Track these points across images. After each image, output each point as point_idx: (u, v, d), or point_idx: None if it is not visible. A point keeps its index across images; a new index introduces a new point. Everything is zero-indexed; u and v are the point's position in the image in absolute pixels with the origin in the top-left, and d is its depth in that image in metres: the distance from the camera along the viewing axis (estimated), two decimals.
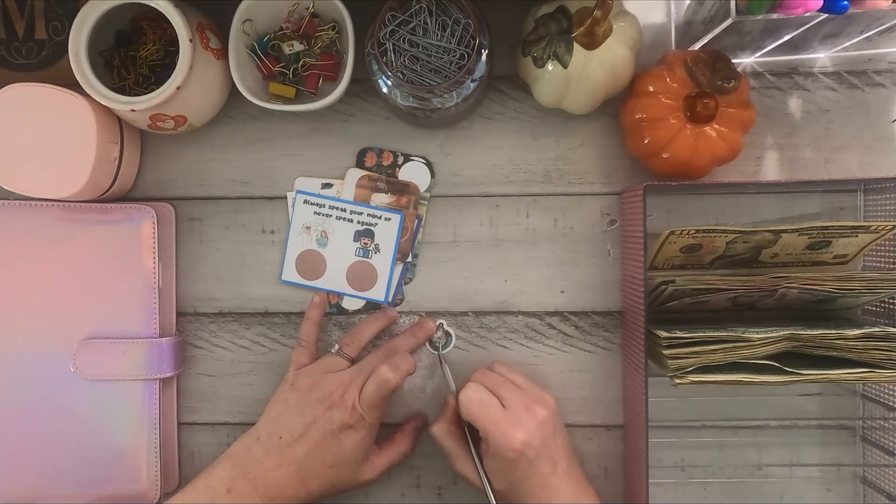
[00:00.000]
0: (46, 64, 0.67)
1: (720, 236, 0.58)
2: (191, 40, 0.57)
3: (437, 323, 0.67)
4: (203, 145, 0.68)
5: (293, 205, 0.67)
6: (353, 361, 0.63)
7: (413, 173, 0.67)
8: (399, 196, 0.66)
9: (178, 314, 0.68)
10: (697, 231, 0.57)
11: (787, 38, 0.57)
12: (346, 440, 0.59)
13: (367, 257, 0.66)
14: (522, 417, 0.57)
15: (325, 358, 0.63)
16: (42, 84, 0.59)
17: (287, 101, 0.64)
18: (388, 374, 0.59)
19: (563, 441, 0.60)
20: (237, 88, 0.61)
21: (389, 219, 0.66)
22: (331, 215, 0.66)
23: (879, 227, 0.57)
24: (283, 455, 0.59)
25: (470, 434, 0.61)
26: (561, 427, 0.61)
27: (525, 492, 0.57)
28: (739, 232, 0.57)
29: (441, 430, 0.61)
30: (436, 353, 0.67)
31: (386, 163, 0.67)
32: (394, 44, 0.56)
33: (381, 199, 0.66)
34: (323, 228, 0.66)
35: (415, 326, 0.66)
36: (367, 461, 0.62)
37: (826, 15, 0.50)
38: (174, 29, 0.57)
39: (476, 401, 0.57)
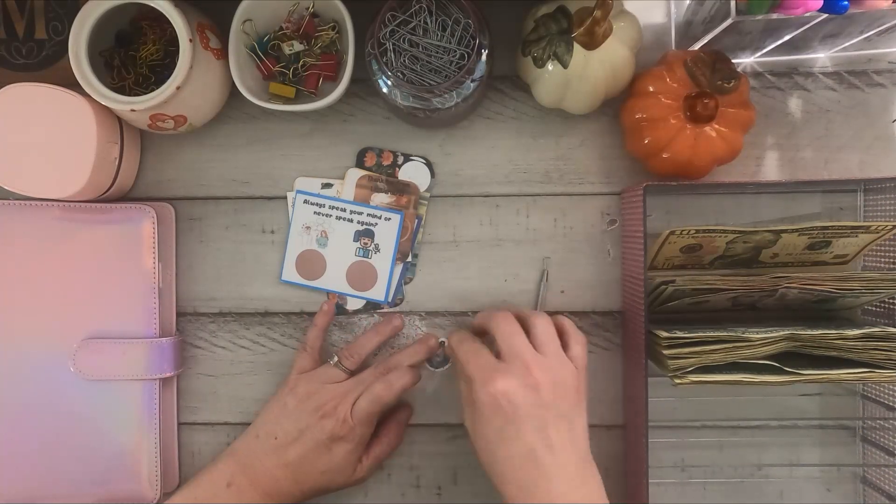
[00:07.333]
0: (46, 64, 0.67)
1: (720, 236, 0.58)
2: (191, 40, 0.57)
3: (440, 341, 0.66)
4: (203, 145, 0.68)
5: (293, 205, 0.67)
6: (351, 373, 0.63)
7: (413, 173, 0.66)
8: (399, 196, 0.66)
9: (178, 314, 0.68)
10: (697, 231, 0.57)
11: (787, 38, 0.57)
12: (336, 450, 0.60)
13: (367, 257, 0.66)
14: (515, 371, 0.52)
15: (324, 367, 0.64)
16: (42, 84, 0.59)
17: (287, 101, 0.64)
18: (381, 392, 0.60)
19: (570, 426, 0.53)
20: (237, 88, 0.61)
21: (389, 219, 0.66)
22: (331, 215, 0.66)
23: (879, 227, 0.57)
24: (279, 455, 0.60)
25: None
26: (576, 412, 0.53)
27: (502, 458, 0.51)
28: (739, 232, 0.57)
29: (457, 339, 0.58)
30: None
31: (386, 163, 0.67)
32: (394, 44, 0.56)
33: (381, 199, 0.66)
34: (323, 228, 0.66)
35: (418, 343, 0.65)
36: (357, 464, 0.62)
37: (826, 15, 0.50)
38: (174, 29, 0.57)
39: (469, 346, 0.55)
